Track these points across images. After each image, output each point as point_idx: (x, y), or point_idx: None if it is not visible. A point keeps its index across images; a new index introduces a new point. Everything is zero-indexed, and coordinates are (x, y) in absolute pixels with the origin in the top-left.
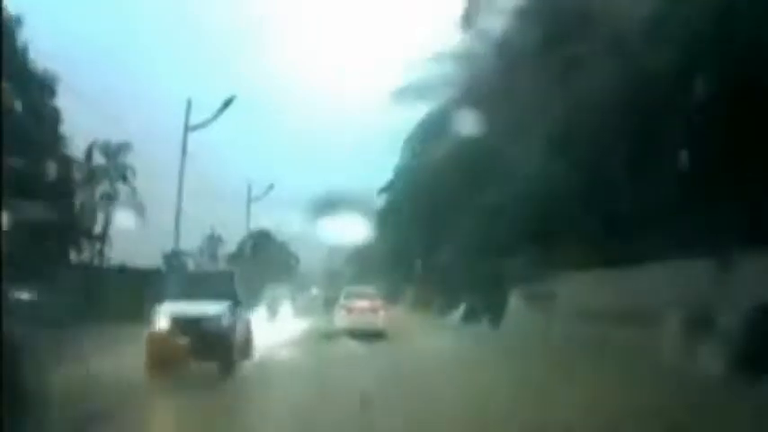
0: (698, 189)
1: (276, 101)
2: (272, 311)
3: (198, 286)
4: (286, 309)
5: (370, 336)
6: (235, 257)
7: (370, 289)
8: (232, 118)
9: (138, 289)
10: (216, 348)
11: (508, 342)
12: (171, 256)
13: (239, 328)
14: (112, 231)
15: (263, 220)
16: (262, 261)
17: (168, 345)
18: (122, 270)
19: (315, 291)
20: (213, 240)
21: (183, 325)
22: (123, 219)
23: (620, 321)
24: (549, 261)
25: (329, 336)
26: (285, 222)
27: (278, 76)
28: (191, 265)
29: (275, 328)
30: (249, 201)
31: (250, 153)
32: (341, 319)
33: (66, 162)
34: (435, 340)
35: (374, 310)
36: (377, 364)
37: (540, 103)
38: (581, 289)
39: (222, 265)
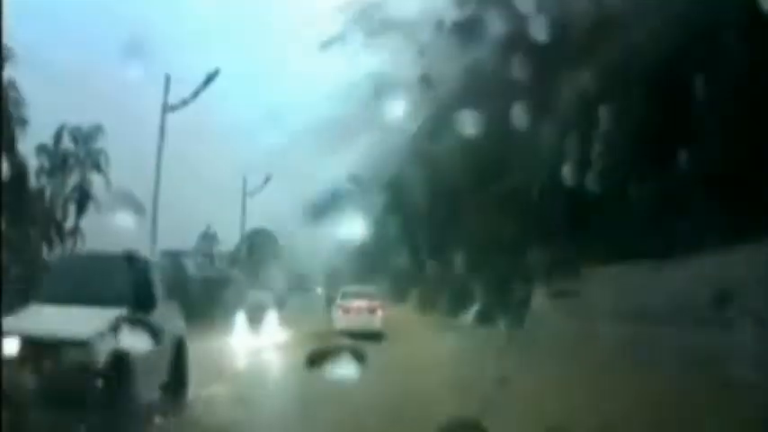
0: (740, 173)
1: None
2: (255, 322)
3: (83, 281)
4: (272, 317)
5: (373, 343)
6: (233, 257)
7: (368, 288)
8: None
9: None
10: (83, 399)
11: (534, 346)
12: (170, 256)
13: (147, 359)
14: (97, 227)
15: (263, 216)
16: (261, 261)
17: (13, 386)
18: None
19: (320, 291)
20: (208, 238)
21: (35, 353)
22: (115, 214)
23: (667, 321)
24: (574, 255)
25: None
26: (286, 219)
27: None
28: (190, 266)
29: (252, 343)
30: (245, 195)
31: (245, 144)
32: (338, 320)
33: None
34: (448, 344)
35: (372, 311)
36: (381, 378)
37: (558, 84)
38: (613, 285)
39: (223, 267)
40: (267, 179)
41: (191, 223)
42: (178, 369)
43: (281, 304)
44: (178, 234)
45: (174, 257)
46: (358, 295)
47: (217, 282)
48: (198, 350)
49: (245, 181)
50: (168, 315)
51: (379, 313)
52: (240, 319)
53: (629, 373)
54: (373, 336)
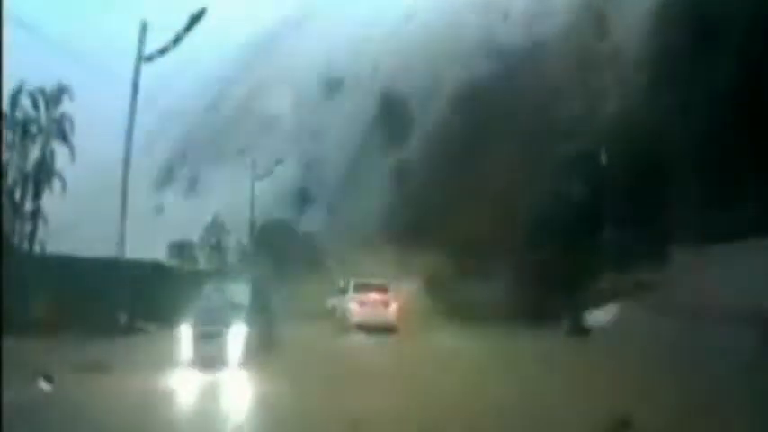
0: None
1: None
2: (207, 340)
3: None
4: (236, 335)
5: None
6: (245, 250)
7: (380, 279)
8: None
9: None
10: None
11: (618, 361)
12: (177, 248)
13: None
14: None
15: (276, 203)
16: (276, 255)
17: None
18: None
19: (342, 283)
20: (215, 229)
21: None
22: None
23: None
24: (658, 235)
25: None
26: (306, 208)
27: None
28: (200, 259)
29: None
30: (253, 179)
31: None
32: (351, 313)
33: None
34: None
35: (386, 303)
36: None
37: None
38: (716, 272)
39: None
40: (278, 161)
41: (203, 213)
42: None
43: (264, 308)
44: (190, 226)
45: (182, 249)
46: (370, 287)
47: (195, 276)
48: None
49: (253, 163)
50: None
51: (394, 306)
52: (185, 334)
53: None
54: (387, 329)
